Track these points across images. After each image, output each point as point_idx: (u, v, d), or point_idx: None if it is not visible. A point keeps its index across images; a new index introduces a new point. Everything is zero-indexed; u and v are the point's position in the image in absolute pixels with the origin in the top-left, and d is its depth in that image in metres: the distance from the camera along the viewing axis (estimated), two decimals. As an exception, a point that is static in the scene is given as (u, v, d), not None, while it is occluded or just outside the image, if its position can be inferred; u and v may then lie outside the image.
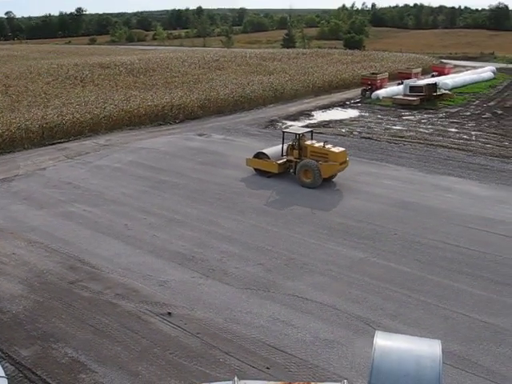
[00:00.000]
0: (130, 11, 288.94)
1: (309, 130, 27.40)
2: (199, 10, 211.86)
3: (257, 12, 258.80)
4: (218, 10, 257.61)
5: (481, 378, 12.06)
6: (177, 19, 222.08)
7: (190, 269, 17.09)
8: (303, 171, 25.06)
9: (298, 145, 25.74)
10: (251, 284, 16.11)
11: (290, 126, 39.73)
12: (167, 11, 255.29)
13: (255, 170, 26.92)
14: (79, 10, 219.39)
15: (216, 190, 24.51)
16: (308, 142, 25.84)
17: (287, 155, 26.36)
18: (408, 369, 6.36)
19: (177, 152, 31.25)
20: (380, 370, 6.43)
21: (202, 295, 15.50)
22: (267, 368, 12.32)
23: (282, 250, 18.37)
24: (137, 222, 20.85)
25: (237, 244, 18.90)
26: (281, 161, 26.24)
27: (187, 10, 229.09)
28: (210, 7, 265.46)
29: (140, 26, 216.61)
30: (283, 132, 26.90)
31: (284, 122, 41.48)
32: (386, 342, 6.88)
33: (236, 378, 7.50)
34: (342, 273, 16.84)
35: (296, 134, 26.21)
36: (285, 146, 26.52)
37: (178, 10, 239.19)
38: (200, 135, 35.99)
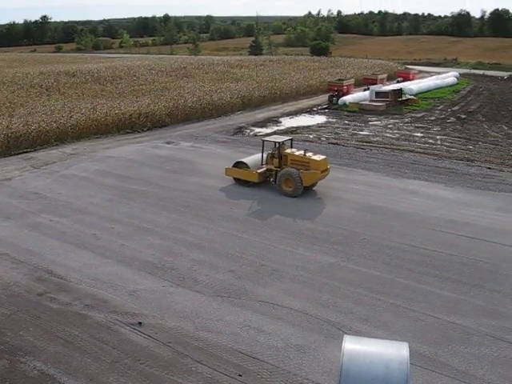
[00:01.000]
0: (95, 19, 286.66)
1: (289, 138, 27.10)
2: (166, 18, 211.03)
3: (224, 19, 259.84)
4: (184, 17, 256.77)
5: (450, 378, 12.25)
6: (143, 27, 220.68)
7: (159, 277, 16.98)
8: (284, 180, 24.81)
9: (278, 153, 25.44)
10: (222, 291, 16.09)
11: (258, 132, 39.95)
12: (134, 19, 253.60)
13: (234, 179, 26.56)
14: (44, 17, 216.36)
15: (185, 198, 24.43)
16: (288, 151, 25.54)
17: (267, 164, 26.02)
18: (376, 372, 6.45)
19: (145, 160, 31.07)
20: (349, 374, 6.50)
21: (172, 304, 15.41)
22: (239, 375, 12.32)
23: (252, 257, 18.39)
24: (105, 232, 20.64)
25: (207, 251, 18.85)
26: (261, 170, 25.93)
27: (154, 17, 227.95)
28: (177, 15, 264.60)
29: (106, 33, 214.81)
30: (263, 141, 26.34)
31: (252, 128, 41.63)
32: (354, 346, 6.96)
33: None
34: (312, 278, 16.94)
35: (276, 142, 25.81)
36: (264, 155, 26.16)
37: (145, 17, 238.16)
38: (168, 143, 35.85)
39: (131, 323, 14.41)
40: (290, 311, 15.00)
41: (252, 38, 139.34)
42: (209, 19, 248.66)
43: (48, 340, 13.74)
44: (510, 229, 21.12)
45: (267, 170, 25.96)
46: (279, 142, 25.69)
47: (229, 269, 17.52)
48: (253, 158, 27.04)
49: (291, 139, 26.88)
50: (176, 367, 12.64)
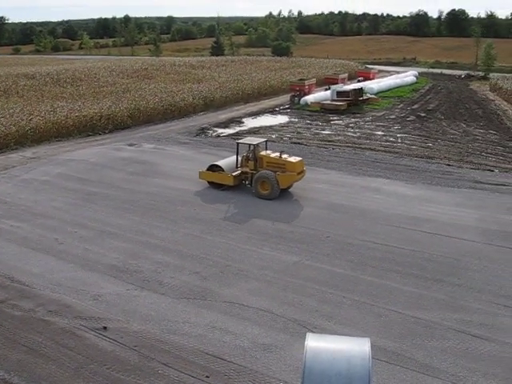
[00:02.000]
0: (54, 20, 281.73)
1: (263, 139, 26.62)
2: (126, 19, 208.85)
3: (185, 20, 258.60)
4: (145, 18, 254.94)
5: (414, 372, 12.46)
6: (103, 28, 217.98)
7: (124, 281, 16.83)
8: (260, 183, 24.46)
9: (253, 156, 25.18)
10: (187, 293, 16.03)
11: (221, 133, 40.00)
12: (93, 20, 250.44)
13: (209, 182, 26.16)
14: (1, 18, 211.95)
15: (148, 200, 24.26)
16: (263, 153, 25.25)
17: (242, 167, 25.69)
18: (339, 368, 6.54)
19: (107, 163, 30.73)
20: (312, 372, 6.58)
21: (137, 307, 15.29)
22: (207, 377, 12.29)
23: (217, 258, 18.38)
24: (68, 236, 20.34)
25: (171, 253, 18.76)
26: (236, 173, 25.55)
27: (114, 18, 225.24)
28: (137, 16, 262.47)
29: (66, 35, 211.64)
30: (237, 143, 25.92)
31: (215, 129, 41.63)
32: (317, 344, 7.04)
33: None
34: (277, 277, 17.02)
35: (250, 144, 25.48)
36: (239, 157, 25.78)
37: (105, 18, 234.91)
38: (130, 145, 35.54)
39: (96, 328, 14.23)
40: (255, 311, 15.04)
41: (213, 39, 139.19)
42: (170, 20, 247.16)
43: (11, 348, 13.46)
44: (470, 224, 21.61)
45: (242, 172, 25.59)
46: (254, 144, 25.36)
47: (194, 270, 17.47)
48: (227, 161, 26.60)
49: (266, 141, 26.46)
50: (142, 371, 12.54)
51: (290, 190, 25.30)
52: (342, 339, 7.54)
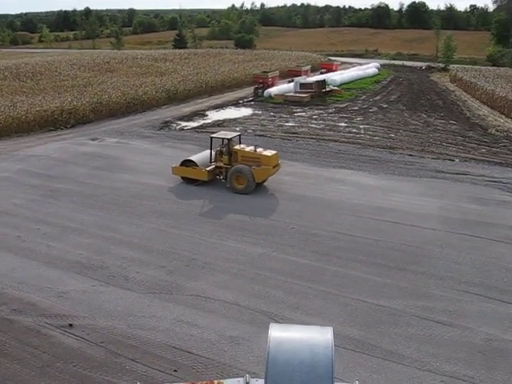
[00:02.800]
0: (12, 12, 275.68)
1: (237, 133, 26.28)
2: (87, 11, 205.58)
3: (147, 12, 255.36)
4: (106, 10, 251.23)
5: (380, 359, 12.69)
6: (64, 21, 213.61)
7: (89, 277, 16.65)
8: (235, 177, 24.25)
9: (227, 150, 24.98)
10: (153, 288, 15.97)
11: (185, 126, 39.80)
12: (53, 12, 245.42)
13: (182, 178, 25.83)
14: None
15: (112, 195, 24.02)
16: (237, 147, 25.02)
17: (216, 161, 25.37)
18: (302, 357, 6.61)
19: (69, 158, 30.28)
20: (276, 362, 6.64)
21: (103, 303, 15.16)
22: (174, 371, 12.28)
23: (183, 251, 18.34)
24: (30, 233, 20.00)
25: (136, 248, 18.64)
26: (210, 167, 25.27)
27: (74, 11, 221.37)
28: (98, 8, 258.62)
29: (25, 27, 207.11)
30: (211, 138, 25.47)
31: (178, 122, 41.41)
32: (280, 334, 7.11)
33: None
34: (243, 269, 17.08)
35: (224, 138, 25.15)
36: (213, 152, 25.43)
37: (65, 11, 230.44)
38: (93, 139, 35.08)
39: (61, 325, 14.07)
40: (222, 304, 15.08)
41: (176, 32, 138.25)
42: (131, 12, 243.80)
43: (-27, 348, 13.24)
44: (431, 212, 22.03)
45: (216, 167, 25.33)
46: (228, 139, 25.06)
47: (159, 264, 17.40)
48: (201, 156, 26.25)
49: (239, 135, 26.16)
50: (109, 367, 12.47)
51: (264, 183, 25.24)
52: (305, 328, 7.62)
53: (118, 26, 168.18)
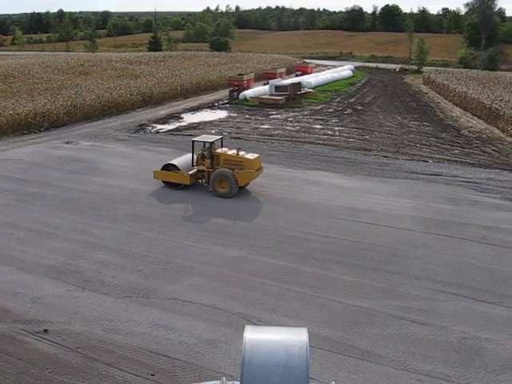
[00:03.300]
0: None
1: (219, 137, 26.13)
2: (60, 14, 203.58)
3: (121, 15, 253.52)
4: (80, 13, 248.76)
5: (357, 360, 12.76)
6: (37, 23, 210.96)
7: (64, 282, 16.46)
8: (218, 181, 24.07)
9: (209, 154, 24.72)
10: (129, 292, 15.85)
11: (160, 129, 39.64)
12: (26, 14, 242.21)
13: (164, 182, 25.56)
14: None
15: (87, 199, 23.80)
16: (219, 150, 24.85)
17: (198, 165, 25.12)
18: (278, 358, 6.63)
19: (43, 162, 29.94)
20: (251, 363, 6.65)
21: (79, 308, 15.00)
22: (152, 375, 12.20)
23: (159, 255, 18.25)
24: (4, 238, 19.70)
25: (112, 252, 18.49)
26: (192, 171, 25.06)
27: (48, 13, 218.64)
28: (72, 10, 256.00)
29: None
30: (193, 141, 25.29)
31: (154, 125, 41.24)
32: (255, 336, 7.12)
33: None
34: (220, 272, 17.05)
35: (206, 142, 24.97)
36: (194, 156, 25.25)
37: (38, 13, 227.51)
38: (67, 143, 34.73)
39: (36, 331, 13.88)
40: (199, 307, 15.03)
41: (151, 34, 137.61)
42: (106, 15, 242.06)
43: None
44: (406, 213, 22.27)
45: (198, 171, 25.13)
46: (210, 142, 24.87)
47: (135, 268, 17.29)
48: (182, 160, 26.05)
49: (221, 138, 26.06)
50: (86, 372, 12.33)
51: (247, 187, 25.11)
52: (279, 330, 7.64)
53: (92, 29, 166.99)
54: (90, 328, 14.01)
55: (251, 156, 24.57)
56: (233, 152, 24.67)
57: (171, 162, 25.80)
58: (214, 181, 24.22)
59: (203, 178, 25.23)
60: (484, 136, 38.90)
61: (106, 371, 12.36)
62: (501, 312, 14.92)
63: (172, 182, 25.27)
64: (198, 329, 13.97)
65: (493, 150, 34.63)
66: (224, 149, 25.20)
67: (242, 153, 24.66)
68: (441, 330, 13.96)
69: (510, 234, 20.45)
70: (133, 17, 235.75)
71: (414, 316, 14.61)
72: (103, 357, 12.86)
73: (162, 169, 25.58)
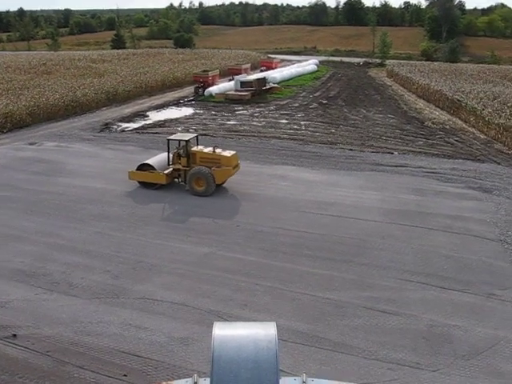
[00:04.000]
0: None
1: (194, 135, 25.83)
2: (21, 12, 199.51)
3: (83, 13, 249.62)
4: (41, 11, 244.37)
5: (329, 351, 12.90)
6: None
7: (32, 285, 16.21)
8: (195, 179, 23.80)
9: (185, 152, 24.42)
10: (99, 293, 15.71)
11: (126, 128, 39.29)
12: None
13: (139, 182, 25.14)
14: None
15: (53, 200, 23.45)
16: (195, 148, 24.59)
17: (173, 164, 24.77)
18: (247, 353, 6.67)
19: (7, 164, 29.37)
20: (220, 359, 6.68)
21: (48, 311, 14.81)
22: (124, 375, 12.13)
23: (129, 255, 18.12)
24: (-32, 243, 19.34)
25: (80, 253, 18.28)
26: (168, 170, 24.74)
27: (8, 12, 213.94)
28: (33, 8, 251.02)
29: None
30: (168, 140, 24.84)
31: (119, 124, 40.81)
32: (224, 332, 7.16)
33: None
34: (190, 269, 17.03)
35: (181, 140, 24.67)
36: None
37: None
38: (31, 144, 34.15)
39: (4, 336, 13.64)
40: (170, 305, 15.00)
41: (114, 32, 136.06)
42: (67, 13, 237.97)
43: None
44: (373, 205, 22.56)
45: (174, 170, 24.81)
46: (186, 140, 24.58)
47: (105, 269, 17.13)
48: (157, 159, 25.65)
49: (197, 136, 25.77)
50: (57, 376, 12.19)
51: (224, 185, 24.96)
52: (248, 325, 7.69)
53: (54, 27, 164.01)
54: (59, 331, 13.85)
55: (228, 153, 24.40)
56: (209, 150, 24.43)
57: (146, 161, 25.39)
58: (190, 179, 23.96)
59: (179, 177, 24.95)
60: (447, 127, 39.59)
61: (78, 374, 12.24)
62: (467, 299, 15.27)
63: (148, 182, 24.92)
64: (170, 327, 13.94)
65: (456, 140, 35.26)
66: (200, 147, 24.97)
67: (218, 150, 24.47)
68: (410, 319, 14.21)
69: (474, 222, 20.91)
70: (95, 14, 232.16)
71: (384, 306, 14.83)
72: (74, 359, 12.73)
73: (137, 169, 25.18)
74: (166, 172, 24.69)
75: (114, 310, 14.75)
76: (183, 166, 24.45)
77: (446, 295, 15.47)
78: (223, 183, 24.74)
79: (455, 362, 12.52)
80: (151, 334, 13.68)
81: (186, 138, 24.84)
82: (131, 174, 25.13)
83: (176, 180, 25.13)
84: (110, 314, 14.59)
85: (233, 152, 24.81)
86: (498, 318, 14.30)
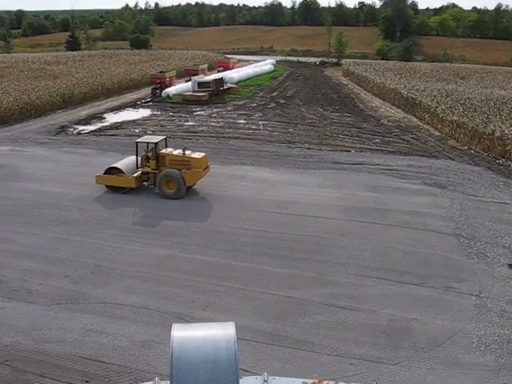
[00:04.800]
0: None
1: (163, 137, 25.36)
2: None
3: (36, 14, 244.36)
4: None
5: (292, 349, 13.02)
6: None
7: (-12, 293, 15.89)
8: (165, 182, 23.50)
9: (154, 154, 24.07)
10: (58, 299, 15.46)
11: (82, 130, 38.73)
12: None
13: (107, 187, 24.62)
14: None
15: (8, 206, 22.93)
16: (164, 151, 24.27)
17: (142, 167, 24.32)
18: (206, 354, 6.72)
19: (-41, 170, 28.61)
20: (180, 361, 6.70)
21: (6, 319, 14.49)
22: (86, 382, 11.99)
23: (88, 259, 17.87)
24: None
25: (38, 259, 17.94)
26: (136, 174, 24.34)
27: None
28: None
29: None
30: (136, 142, 24.34)
31: (75, 126, 40.18)
32: (182, 333, 7.18)
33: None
34: (151, 272, 16.93)
35: (150, 143, 24.34)
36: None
37: None
38: (-16, 149, 33.34)
39: (-39, 347, 13.35)
40: (131, 308, 14.88)
41: (68, 33, 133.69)
42: (20, 14, 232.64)
43: None
44: (331, 203, 22.84)
45: (143, 173, 24.42)
46: (155, 143, 24.18)
47: (63, 274, 16.87)
48: (125, 162, 25.16)
49: (165, 138, 25.33)
50: (16, 385, 11.99)
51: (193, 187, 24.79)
52: (207, 326, 7.73)
53: (6, 29, 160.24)
54: (18, 339, 13.59)
55: (198, 155, 24.23)
56: (178, 152, 24.20)
57: (114, 165, 24.93)
58: (160, 182, 23.68)
59: (148, 180, 24.66)
60: (403, 124, 40.34)
61: (39, 382, 12.05)
62: (425, 293, 15.62)
63: (116, 186, 24.49)
64: (131, 331, 13.84)
65: (411, 137, 35.98)
66: (169, 149, 24.70)
67: (188, 152, 24.27)
68: (370, 314, 14.46)
69: (430, 217, 21.39)
70: (49, 15, 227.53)
71: (344, 302, 15.05)
72: (34, 368, 12.51)
73: (105, 173, 24.66)
74: (134, 175, 24.35)
75: (74, 316, 14.55)
76: (152, 169, 24.12)
77: (404, 290, 15.79)
78: (193, 185, 24.60)
79: (415, 354, 12.80)
80: (113, 338, 13.55)
81: (155, 141, 24.51)
82: (98, 178, 24.62)
83: (145, 183, 24.82)
84: (70, 319, 14.38)
85: (203, 154, 24.62)
86: (455, 310, 14.68)
